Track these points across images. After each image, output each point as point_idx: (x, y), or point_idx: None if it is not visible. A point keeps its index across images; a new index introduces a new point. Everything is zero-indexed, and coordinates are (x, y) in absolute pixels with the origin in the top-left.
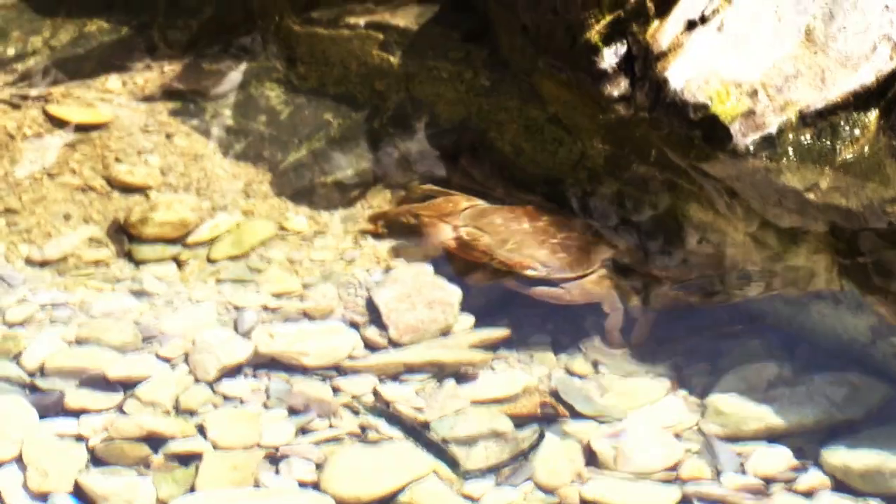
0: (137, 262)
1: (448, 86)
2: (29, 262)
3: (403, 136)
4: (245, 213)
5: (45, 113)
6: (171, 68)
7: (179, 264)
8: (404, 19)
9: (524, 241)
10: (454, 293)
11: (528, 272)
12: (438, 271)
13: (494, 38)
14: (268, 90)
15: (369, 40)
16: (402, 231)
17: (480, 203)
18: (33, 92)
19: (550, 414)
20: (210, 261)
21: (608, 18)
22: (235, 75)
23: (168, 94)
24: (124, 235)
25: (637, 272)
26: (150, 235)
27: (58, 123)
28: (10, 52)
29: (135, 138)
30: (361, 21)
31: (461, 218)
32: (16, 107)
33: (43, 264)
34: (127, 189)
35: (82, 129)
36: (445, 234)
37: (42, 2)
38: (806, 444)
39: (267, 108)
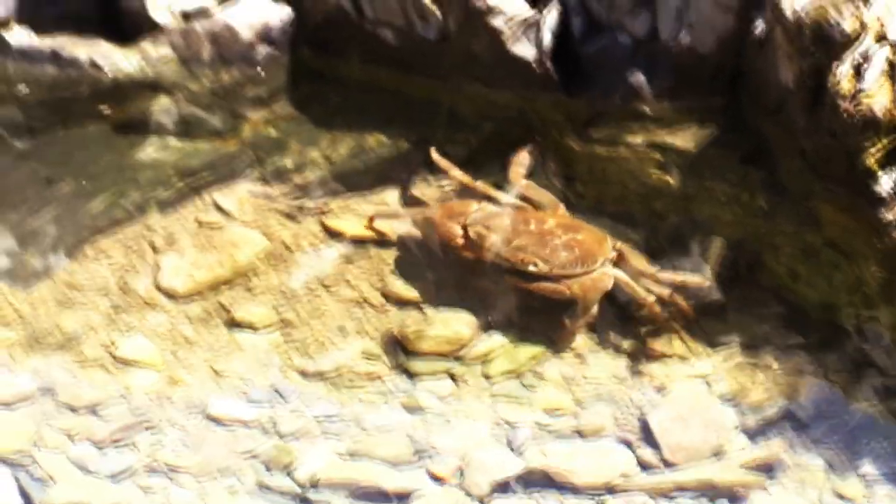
0: (411, 377)
1: (725, 207)
2: (303, 374)
3: (680, 256)
4: (520, 329)
5: (323, 225)
6: (448, 182)
7: (454, 379)
8: (683, 140)
9: (529, 241)
10: (728, 414)
11: (530, 268)
12: (712, 391)
13: (772, 161)
14: None
15: (648, 160)
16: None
17: (490, 206)
18: (310, 204)
19: None
20: (484, 377)
21: (885, 143)
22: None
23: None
24: (399, 349)
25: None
26: (424, 350)
27: (335, 236)
28: (288, 164)
29: (411, 253)
30: (640, 140)
31: (471, 218)
32: (293, 219)
33: (317, 377)
34: (403, 303)
35: (359, 242)
36: (454, 232)
37: (321, 115)
38: None
39: None
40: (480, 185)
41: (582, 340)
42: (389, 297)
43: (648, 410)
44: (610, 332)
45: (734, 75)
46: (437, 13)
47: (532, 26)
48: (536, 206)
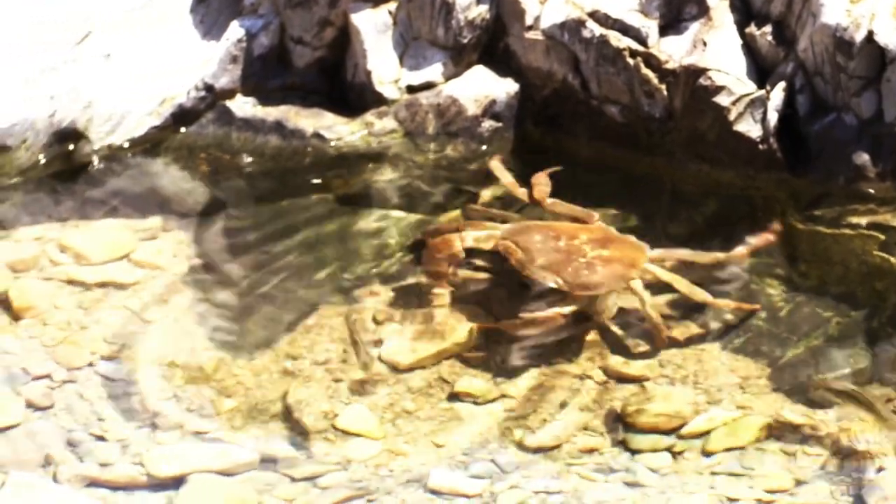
0: (631, 452)
1: None
2: (522, 447)
3: None
4: (741, 407)
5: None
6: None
7: (673, 455)
8: None
9: (554, 259)
10: None
11: (549, 284)
12: None
13: None
14: (769, 286)
15: (871, 240)
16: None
17: (524, 221)
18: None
19: None
20: (704, 453)
21: None
22: (736, 270)
23: (671, 287)
24: (619, 424)
25: None
26: (645, 425)
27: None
28: None
29: (633, 329)
30: (863, 221)
31: (503, 231)
32: (515, 294)
33: (536, 451)
34: (623, 379)
35: (580, 316)
36: (454, 245)
37: None
38: None
39: (767, 304)
40: (522, 192)
41: (804, 418)
42: (610, 373)
43: (867, 489)
44: (831, 411)
45: None
46: (664, 91)
47: (758, 104)
48: (572, 219)
